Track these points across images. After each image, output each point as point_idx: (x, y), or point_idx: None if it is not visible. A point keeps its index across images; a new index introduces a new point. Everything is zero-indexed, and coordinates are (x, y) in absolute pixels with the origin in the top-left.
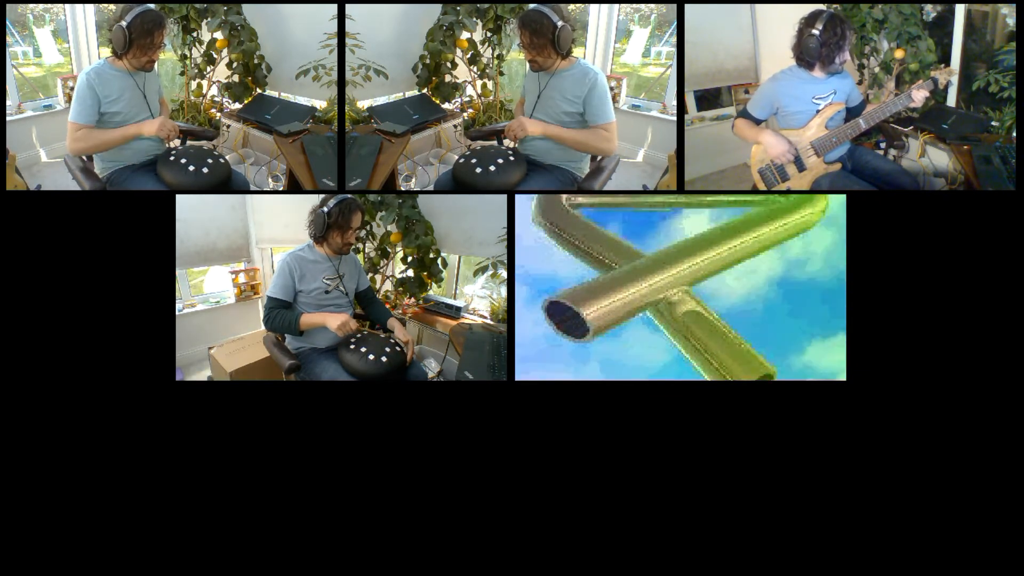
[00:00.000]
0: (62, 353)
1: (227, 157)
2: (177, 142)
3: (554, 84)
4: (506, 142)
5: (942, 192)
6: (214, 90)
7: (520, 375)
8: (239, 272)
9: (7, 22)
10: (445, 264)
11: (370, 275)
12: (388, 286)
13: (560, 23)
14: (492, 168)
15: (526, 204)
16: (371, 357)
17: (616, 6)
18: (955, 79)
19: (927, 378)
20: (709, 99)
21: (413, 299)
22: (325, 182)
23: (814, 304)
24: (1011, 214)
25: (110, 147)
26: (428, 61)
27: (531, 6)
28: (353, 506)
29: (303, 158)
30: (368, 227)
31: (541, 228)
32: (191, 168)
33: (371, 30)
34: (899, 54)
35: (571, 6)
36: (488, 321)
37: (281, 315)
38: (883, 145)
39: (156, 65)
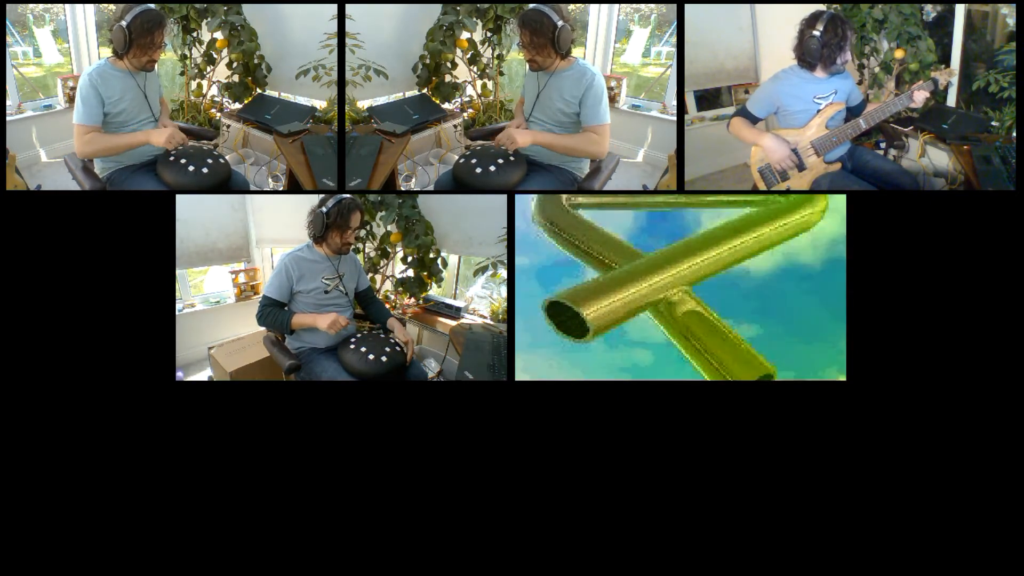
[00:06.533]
0: (62, 353)
1: (227, 157)
2: None
3: (553, 84)
4: None
5: (942, 192)
6: (214, 90)
7: (520, 375)
8: (239, 272)
9: (7, 22)
10: (445, 264)
11: (370, 275)
12: (388, 286)
13: (560, 23)
14: (492, 168)
15: (526, 204)
16: (371, 357)
17: (616, 6)
18: (955, 79)
19: (927, 378)
20: (709, 99)
21: (413, 299)
22: (325, 182)
23: (814, 304)
24: (1011, 214)
25: (119, 152)
26: (428, 61)
27: (531, 6)
28: (353, 506)
29: (303, 158)
30: (368, 227)
31: (541, 228)
32: (191, 168)
33: (371, 30)
34: (899, 54)
35: (571, 6)
36: (488, 321)
37: (273, 313)
38: (883, 145)
39: (156, 65)
